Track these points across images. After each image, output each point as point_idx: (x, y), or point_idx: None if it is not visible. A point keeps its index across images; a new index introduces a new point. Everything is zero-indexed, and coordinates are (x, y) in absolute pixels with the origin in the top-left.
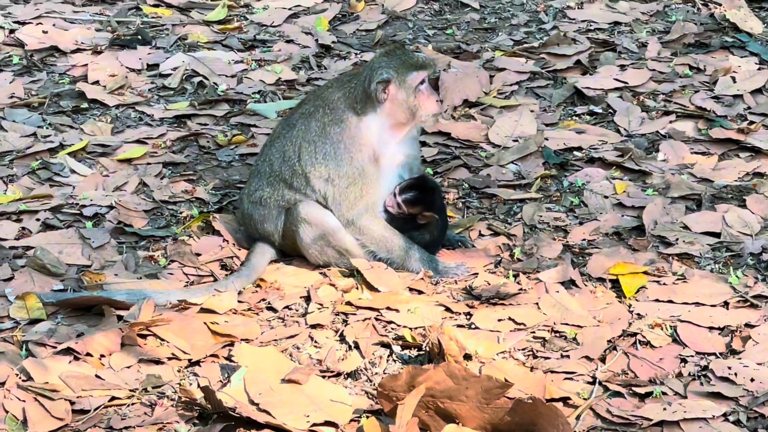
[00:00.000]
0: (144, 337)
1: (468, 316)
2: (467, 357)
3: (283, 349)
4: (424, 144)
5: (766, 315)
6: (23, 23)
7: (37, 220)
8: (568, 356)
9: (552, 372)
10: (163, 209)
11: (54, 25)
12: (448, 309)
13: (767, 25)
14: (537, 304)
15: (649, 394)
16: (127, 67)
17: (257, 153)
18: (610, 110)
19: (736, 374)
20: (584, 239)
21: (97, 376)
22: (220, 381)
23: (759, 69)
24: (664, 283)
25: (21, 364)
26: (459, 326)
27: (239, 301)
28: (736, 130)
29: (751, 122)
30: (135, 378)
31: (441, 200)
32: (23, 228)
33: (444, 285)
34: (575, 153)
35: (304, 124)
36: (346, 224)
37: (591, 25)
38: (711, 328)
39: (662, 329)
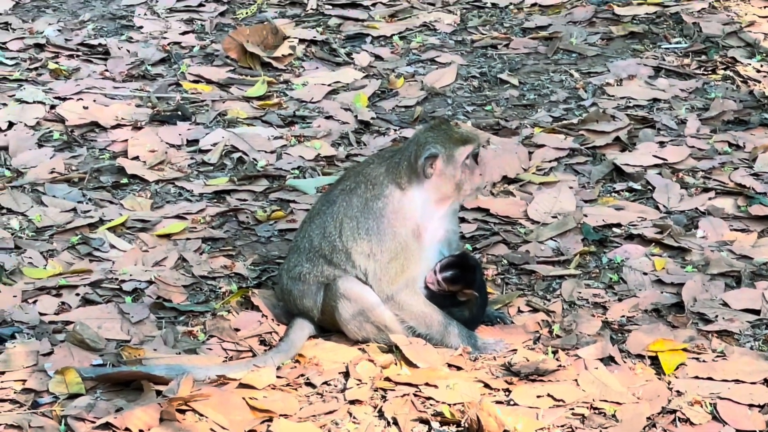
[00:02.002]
0: (183, 412)
1: (507, 393)
2: None
3: (322, 425)
4: (463, 220)
5: None
6: (64, 99)
7: (77, 294)
8: None
9: None
10: (202, 284)
11: (94, 100)
12: (486, 385)
13: None
14: (576, 380)
15: None
16: (167, 143)
17: (296, 228)
18: (649, 187)
19: None
20: (623, 316)
21: None
22: None
23: None
24: (704, 360)
25: None
26: (498, 402)
27: (278, 377)
28: None
29: None
30: None
31: (481, 278)
32: (63, 303)
33: (483, 361)
34: (614, 229)
35: (345, 200)
36: (386, 300)
37: (630, 102)
38: (751, 406)
39: (702, 406)
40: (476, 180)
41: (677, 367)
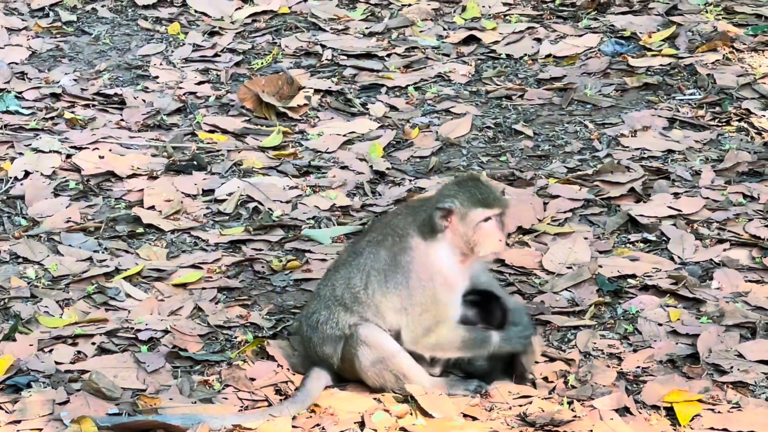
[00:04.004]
0: None
1: None
2: None
3: None
4: None
5: None
6: (80, 148)
7: (93, 344)
8: None
9: None
10: (217, 334)
11: (110, 150)
12: None
13: None
14: (591, 431)
15: None
16: (182, 192)
17: (312, 278)
18: (664, 238)
19: None
20: (638, 366)
21: None
22: None
23: None
24: (719, 411)
25: None
26: None
27: (294, 426)
28: None
29: None
30: None
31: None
32: (79, 352)
33: (498, 411)
34: (629, 280)
35: (372, 253)
36: (425, 348)
37: (644, 153)
38: None
39: None
40: (493, 244)
41: (692, 418)
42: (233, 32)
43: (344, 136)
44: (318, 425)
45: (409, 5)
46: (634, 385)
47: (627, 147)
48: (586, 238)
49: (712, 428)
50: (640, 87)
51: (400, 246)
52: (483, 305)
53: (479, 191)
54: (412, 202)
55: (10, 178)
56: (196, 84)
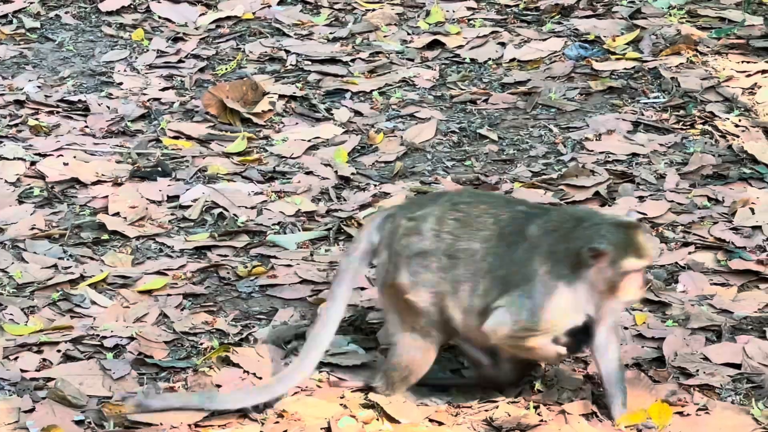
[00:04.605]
0: None
1: None
2: None
3: None
4: None
5: None
6: (44, 155)
7: (58, 351)
8: None
9: None
10: (183, 340)
11: (74, 157)
12: None
13: None
14: None
15: None
16: (147, 199)
17: (278, 284)
18: None
19: None
20: None
21: None
22: None
23: None
24: (687, 414)
25: None
26: None
27: None
28: (755, 261)
29: None
30: None
31: None
32: (44, 359)
33: (464, 416)
34: None
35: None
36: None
37: (609, 157)
38: None
39: None
40: (633, 293)
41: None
42: (197, 38)
43: (309, 141)
44: (285, 431)
45: (373, 10)
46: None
47: (591, 151)
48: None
49: None
50: (605, 91)
51: (546, 269)
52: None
53: (635, 240)
54: (565, 222)
55: None
56: (160, 90)
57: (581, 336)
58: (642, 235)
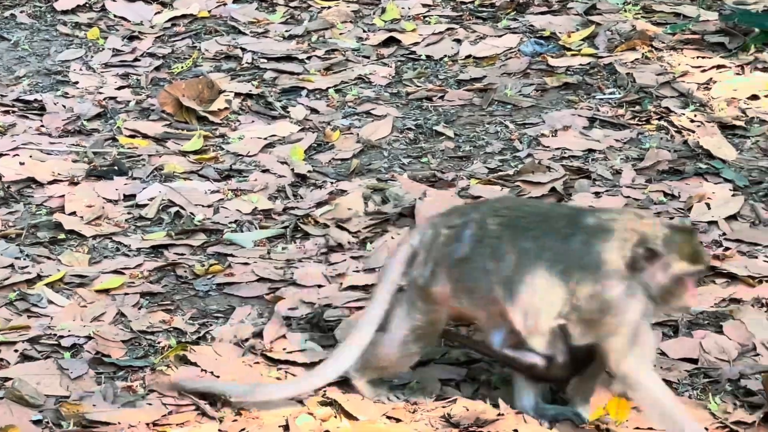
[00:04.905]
0: None
1: None
2: None
3: None
4: None
5: None
6: (0, 155)
7: (15, 351)
8: None
9: None
10: (141, 339)
11: (31, 156)
12: None
13: (741, 151)
14: (516, 430)
15: None
16: (103, 198)
17: (235, 282)
18: None
19: None
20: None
21: None
22: None
23: (733, 195)
24: None
25: None
26: None
27: (220, 430)
28: (711, 256)
29: (727, 248)
30: None
31: None
32: (1, 359)
33: (422, 413)
34: None
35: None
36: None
37: (565, 153)
38: None
39: None
40: (688, 300)
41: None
42: (153, 37)
43: (265, 139)
44: (243, 429)
45: (329, 8)
46: (559, 384)
47: (548, 147)
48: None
49: (638, 428)
50: (560, 87)
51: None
52: None
53: (691, 245)
54: (624, 220)
55: None
56: (116, 89)
57: None
58: (696, 240)
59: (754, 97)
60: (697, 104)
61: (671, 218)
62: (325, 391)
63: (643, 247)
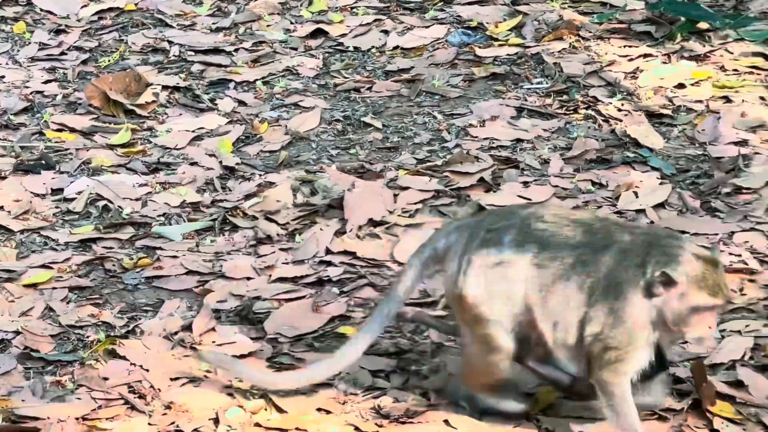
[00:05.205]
0: None
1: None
2: None
3: None
4: (329, 264)
5: None
6: None
7: None
8: None
9: None
10: (69, 334)
11: None
12: (357, 428)
13: (668, 140)
14: (446, 420)
15: None
16: (31, 192)
17: (164, 275)
18: None
19: None
20: None
21: None
22: None
23: (661, 183)
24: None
25: None
26: None
27: (149, 424)
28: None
29: None
30: None
31: None
32: None
33: (352, 404)
34: None
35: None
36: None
37: (493, 143)
38: None
39: None
40: (702, 331)
41: (550, 406)
42: (80, 30)
43: (193, 132)
44: (173, 423)
45: (256, 0)
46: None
47: (476, 137)
48: (437, 229)
49: (567, 416)
50: (488, 77)
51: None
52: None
53: (713, 277)
54: (655, 241)
55: None
56: (43, 83)
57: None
58: (719, 272)
59: (681, 86)
60: (624, 93)
61: (597, 207)
62: (255, 384)
63: (660, 272)
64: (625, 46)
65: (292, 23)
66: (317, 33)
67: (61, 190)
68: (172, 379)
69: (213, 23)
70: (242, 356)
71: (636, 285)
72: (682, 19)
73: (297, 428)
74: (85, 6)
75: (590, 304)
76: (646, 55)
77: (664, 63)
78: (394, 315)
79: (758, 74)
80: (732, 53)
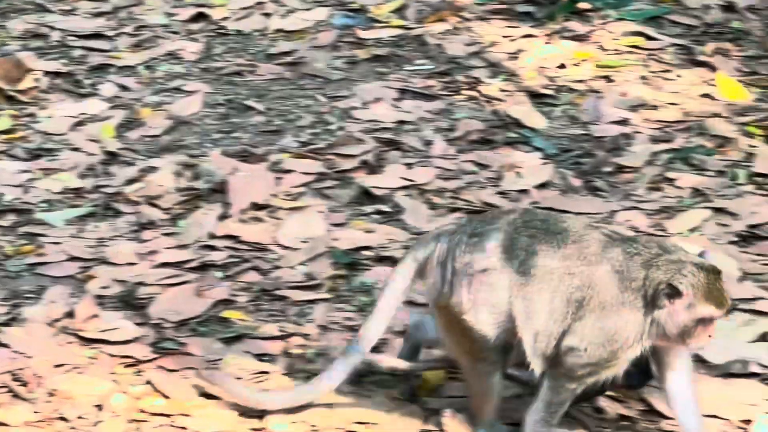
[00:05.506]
0: None
1: (261, 420)
2: None
3: None
4: (212, 248)
5: None
6: None
7: None
8: None
9: None
10: None
11: None
12: (242, 413)
13: (550, 120)
14: (330, 404)
15: None
16: None
17: (47, 262)
18: (398, 209)
19: None
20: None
21: None
22: None
23: (543, 164)
24: (462, 380)
25: None
26: (254, 430)
27: (34, 412)
28: None
29: None
30: None
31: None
32: None
33: None
34: (364, 252)
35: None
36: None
37: (377, 125)
38: None
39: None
40: (703, 341)
41: (436, 388)
42: None
43: (75, 117)
44: (57, 410)
45: None
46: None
47: (359, 119)
48: (320, 212)
49: (451, 396)
50: (371, 59)
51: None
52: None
53: (716, 287)
54: (650, 249)
55: None
56: None
57: (638, 373)
58: (722, 283)
59: (562, 66)
60: (507, 74)
61: (480, 187)
62: (139, 369)
63: (666, 284)
64: (506, 27)
65: (173, 7)
66: (199, 17)
67: None
68: (55, 366)
69: (94, 8)
70: (126, 342)
71: (633, 300)
72: None
73: (182, 414)
74: None
75: (578, 317)
76: (527, 36)
77: (546, 43)
78: (380, 333)
79: (638, 53)
80: (612, 33)
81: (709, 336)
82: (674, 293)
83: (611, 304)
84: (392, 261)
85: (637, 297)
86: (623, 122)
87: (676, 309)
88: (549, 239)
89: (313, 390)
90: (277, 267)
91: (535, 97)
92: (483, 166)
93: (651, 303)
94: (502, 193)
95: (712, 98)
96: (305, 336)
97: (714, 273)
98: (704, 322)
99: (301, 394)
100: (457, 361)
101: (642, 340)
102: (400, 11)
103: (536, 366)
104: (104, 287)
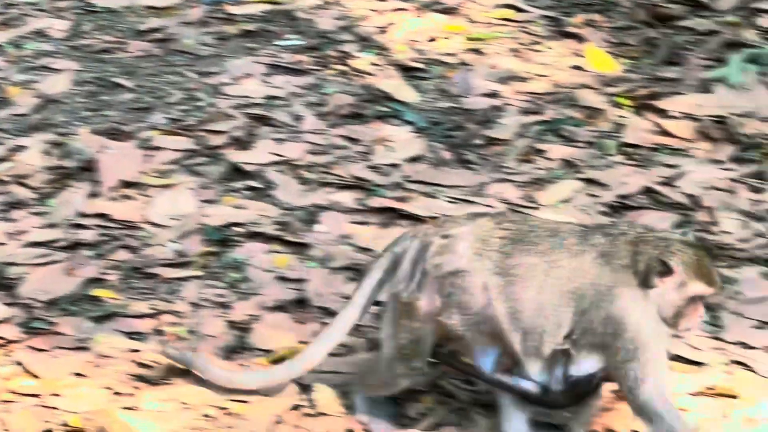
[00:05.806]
0: None
1: (134, 398)
2: None
3: None
4: (81, 226)
5: None
6: None
7: None
8: None
9: None
10: None
11: None
12: (116, 392)
13: (421, 93)
14: (199, 379)
15: None
16: None
17: None
18: (269, 184)
19: None
20: (248, 314)
21: None
22: None
23: (415, 137)
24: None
25: None
26: (127, 408)
27: None
28: (394, 198)
29: (410, 190)
30: None
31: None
32: None
33: (108, 367)
34: (235, 229)
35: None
36: None
37: (247, 101)
38: None
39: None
40: (693, 321)
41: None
42: None
43: None
44: None
45: None
46: (245, 332)
47: (229, 95)
48: (191, 189)
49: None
50: (240, 35)
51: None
52: None
53: (707, 265)
54: (634, 229)
55: None
56: None
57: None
58: (712, 261)
59: (432, 39)
60: (377, 48)
61: (351, 162)
62: (9, 350)
63: (657, 260)
64: (376, 1)
65: None
66: None
67: None
68: None
69: None
70: None
71: (632, 283)
72: None
73: (53, 394)
74: None
75: (579, 312)
76: (397, 9)
77: (417, 17)
78: (356, 321)
79: (508, 26)
80: (482, 5)
81: (700, 316)
82: (665, 270)
83: (608, 292)
84: (263, 237)
85: (632, 283)
86: (493, 95)
87: (668, 288)
88: (523, 237)
89: (291, 369)
90: (148, 245)
91: (406, 70)
92: (354, 141)
93: (644, 284)
94: (373, 167)
95: (582, 69)
96: (176, 314)
97: (704, 249)
98: (695, 300)
99: (279, 372)
100: (380, 346)
101: (654, 324)
102: None
103: (531, 366)
104: None
